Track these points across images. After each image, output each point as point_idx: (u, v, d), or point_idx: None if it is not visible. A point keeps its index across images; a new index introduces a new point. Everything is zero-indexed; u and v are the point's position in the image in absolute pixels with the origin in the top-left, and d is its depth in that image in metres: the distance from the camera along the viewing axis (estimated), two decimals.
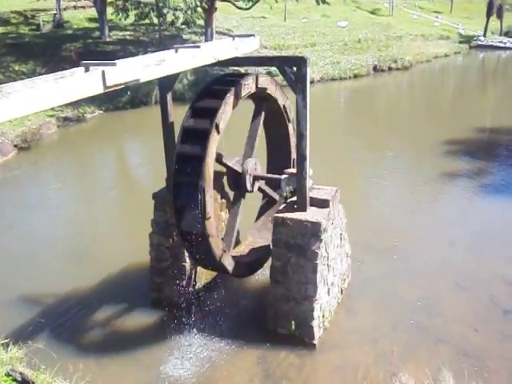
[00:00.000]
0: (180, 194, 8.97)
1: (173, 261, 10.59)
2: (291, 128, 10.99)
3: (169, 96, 9.85)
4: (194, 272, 10.75)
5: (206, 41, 35.29)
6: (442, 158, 19.95)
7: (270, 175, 10.58)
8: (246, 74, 9.48)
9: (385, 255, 12.80)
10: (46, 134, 25.49)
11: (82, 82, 5.84)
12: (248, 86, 9.29)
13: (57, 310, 10.90)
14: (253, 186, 10.31)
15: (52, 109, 28.92)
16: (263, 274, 11.19)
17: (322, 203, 9.47)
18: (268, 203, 11.78)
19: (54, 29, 38.68)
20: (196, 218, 8.70)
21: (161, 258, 10.72)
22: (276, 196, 11.29)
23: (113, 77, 6.06)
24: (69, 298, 11.33)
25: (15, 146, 23.26)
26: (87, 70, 6.35)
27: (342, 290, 10.99)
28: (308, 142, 9.02)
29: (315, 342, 9.59)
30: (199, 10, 31.77)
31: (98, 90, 6.01)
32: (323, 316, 9.85)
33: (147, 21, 33.07)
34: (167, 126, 10.02)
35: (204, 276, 11.09)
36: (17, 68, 32.32)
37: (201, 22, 34.72)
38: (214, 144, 8.69)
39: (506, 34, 56.69)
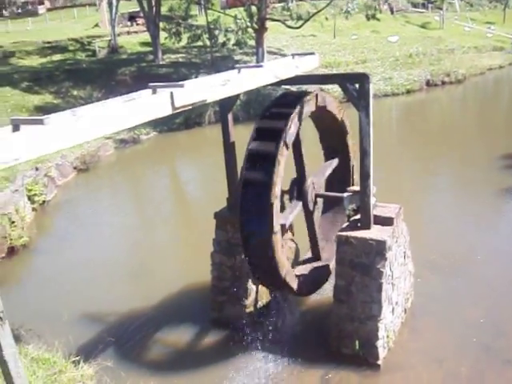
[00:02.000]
0: (247, 220, 9.00)
1: (234, 280, 10.58)
2: (350, 143, 10.97)
3: (230, 116, 9.95)
4: (255, 291, 10.72)
5: (257, 61, 35.55)
6: (501, 173, 19.33)
7: (331, 193, 10.49)
8: (307, 92, 9.48)
9: (447, 273, 12.44)
10: (103, 155, 26.15)
11: (151, 103, 5.95)
12: (309, 105, 9.28)
13: (121, 329, 11.03)
14: (314, 205, 10.26)
15: None
16: (322, 293, 11.07)
17: (386, 221, 9.32)
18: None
19: (109, 54, 39.94)
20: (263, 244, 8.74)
21: (222, 277, 10.72)
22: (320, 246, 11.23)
23: (181, 98, 6.15)
24: (131, 316, 11.46)
25: (74, 167, 23.96)
26: (154, 91, 6.50)
27: (405, 310, 10.74)
28: (371, 159, 8.93)
29: (379, 362, 9.37)
30: (250, 30, 32.11)
31: (167, 111, 6.12)
32: (387, 336, 9.63)
33: (200, 43, 33.63)
34: (228, 146, 10.09)
35: (265, 295, 11.03)
36: (75, 93, 33.40)
37: (251, 42, 35.06)
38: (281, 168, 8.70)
39: None
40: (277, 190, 8.59)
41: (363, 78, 8.62)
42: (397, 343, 9.97)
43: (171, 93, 6.05)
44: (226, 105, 9.79)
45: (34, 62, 39.03)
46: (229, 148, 10.13)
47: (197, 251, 14.29)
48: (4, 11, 68.36)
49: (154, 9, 35.38)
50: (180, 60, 37.42)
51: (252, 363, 9.72)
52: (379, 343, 9.28)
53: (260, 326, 10.21)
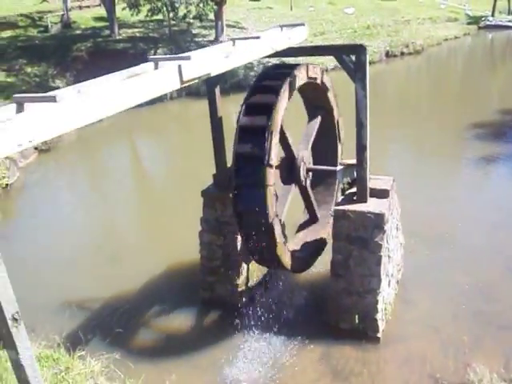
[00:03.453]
0: (242, 197, 8.75)
1: (225, 259, 10.35)
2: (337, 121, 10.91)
3: (217, 90, 9.60)
4: (247, 269, 10.51)
5: (216, 34, 34.93)
6: (473, 142, 19.63)
7: (323, 167, 10.31)
8: (297, 65, 9.23)
9: (432, 242, 12.53)
10: (64, 134, 25.19)
11: (159, 78, 5.61)
12: (300, 77, 9.06)
13: (113, 316, 10.58)
14: (305, 179, 10.06)
15: None
16: (316, 268, 10.94)
17: (382, 193, 9.21)
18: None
19: (63, 29, 38.43)
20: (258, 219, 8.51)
21: (212, 256, 10.47)
22: (318, 214, 11.10)
23: (188, 71, 5.84)
24: (121, 302, 11.06)
25: (35, 148, 22.98)
26: (157, 65, 6.16)
27: (397, 281, 10.75)
28: (368, 131, 8.77)
29: (379, 335, 9.37)
30: (211, 2, 31.38)
31: (175, 85, 5.81)
32: (385, 309, 9.63)
33: (160, 16, 32.69)
34: (216, 122, 9.76)
35: (256, 273, 10.85)
36: (29, 70, 32.08)
37: (211, 15, 34.33)
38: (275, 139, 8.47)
39: None
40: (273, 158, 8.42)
41: (360, 50, 8.42)
42: (393, 315, 9.99)
43: (179, 66, 5.72)
44: (212, 79, 9.38)
45: None
46: (216, 124, 9.80)
47: (176, 229, 13.98)
48: None
49: None
50: (137, 35, 36.34)
51: (249, 343, 9.55)
52: (378, 316, 9.26)
53: (255, 304, 10.03)
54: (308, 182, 10.21)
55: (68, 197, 18.31)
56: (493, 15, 54.12)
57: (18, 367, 4.50)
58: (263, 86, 8.94)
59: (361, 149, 8.86)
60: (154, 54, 32.71)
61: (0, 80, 30.77)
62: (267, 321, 9.71)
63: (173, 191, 17.34)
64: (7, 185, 18.63)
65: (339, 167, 9.61)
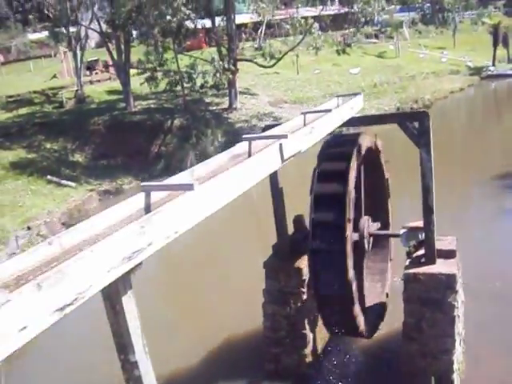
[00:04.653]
0: (318, 262, 8.86)
1: (290, 329, 10.30)
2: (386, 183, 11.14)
3: None
4: (312, 339, 10.47)
5: (230, 101, 35.71)
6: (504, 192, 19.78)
7: (386, 232, 10.46)
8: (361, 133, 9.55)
9: (488, 297, 12.45)
10: (89, 208, 25.53)
11: (264, 158, 5.74)
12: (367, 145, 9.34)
13: None
14: (369, 244, 10.18)
15: (89, 183, 29.18)
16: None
17: (449, 254, 9.32)
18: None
19: (77, 104, 39.32)
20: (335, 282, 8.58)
21: (277, 327, 10.41)
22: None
23: (288, 149, 6.03)
24: (181, 378, 10.99)
25: (63, 223, 23.27)
26: (250, 144, 6.35)
27: (463, 339, 10.71)
28: (434, 195, 8.96)
29: None
30: (227, 72, 32.39)
31: (277, 164, 5.96)
32: (459, 368, 9.57)
33: (178, 87, 33.61)
34: (276, 192, 9.93)
35: (320, 341, 10.81)
36: (48, 146, 32.67)
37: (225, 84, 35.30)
38: (351, 208, 8.65)
39: None
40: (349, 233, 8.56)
41: (423, 116, 8.73)
42: (465, 373, 9.91)
43: (280, 145, 5.92)
44: None
45: (1, 116, 38.08)
46: (277, 194, 9.97)
47: (233, 300, 13.91)
48: None
49: (124, 56, 35.22)
50: (152, 106, 37.15)
51: None
52: (454, 376, 9.21)
53: (324, 373, 9.95)
54: (370, 247, 10.33)
55: None
56: (493, 65, 55.34)
57: None
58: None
59: (427, 211, 9.04)
60: (171, 125, 33.45)
61: (21, 157, 31.30)
62: None
63: (230, 259, 17.35)
64: None
65: (403, 230, 9.74)
